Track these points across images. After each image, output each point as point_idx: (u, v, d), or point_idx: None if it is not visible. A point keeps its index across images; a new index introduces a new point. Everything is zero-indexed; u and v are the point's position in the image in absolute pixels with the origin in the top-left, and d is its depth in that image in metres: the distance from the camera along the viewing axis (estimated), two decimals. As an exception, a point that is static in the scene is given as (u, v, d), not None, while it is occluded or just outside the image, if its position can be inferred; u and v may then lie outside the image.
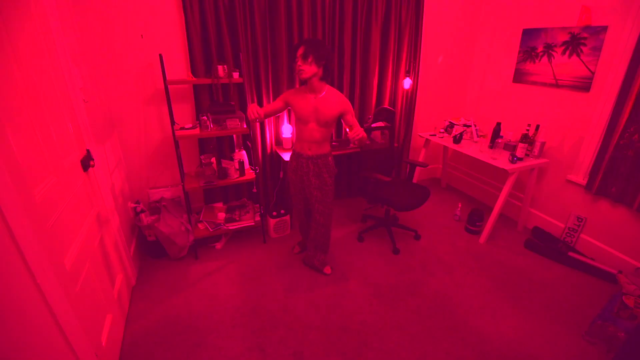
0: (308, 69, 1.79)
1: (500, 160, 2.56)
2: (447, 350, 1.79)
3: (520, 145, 2.51)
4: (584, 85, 2.42)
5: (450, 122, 3.16)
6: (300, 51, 1.79)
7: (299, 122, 1.96)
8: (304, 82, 1.89)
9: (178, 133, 2.29)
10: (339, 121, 3.10)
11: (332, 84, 2.98)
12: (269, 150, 2.93)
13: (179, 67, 2.50)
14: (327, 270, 2.36)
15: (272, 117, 2.78)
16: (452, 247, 2.68)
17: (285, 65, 2.70)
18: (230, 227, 2.59)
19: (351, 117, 1.95)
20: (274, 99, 2.77)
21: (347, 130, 1.93)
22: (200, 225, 2.61)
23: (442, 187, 3.84)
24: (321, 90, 1.89)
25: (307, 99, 1.89)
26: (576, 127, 2.52)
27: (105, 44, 2.27)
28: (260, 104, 2.75)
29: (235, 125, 2.38)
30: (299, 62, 1.80)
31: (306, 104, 1.88)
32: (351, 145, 2.00)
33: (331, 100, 1.88)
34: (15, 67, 1.18)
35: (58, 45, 1.56)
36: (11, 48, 1.17)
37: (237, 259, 2.52)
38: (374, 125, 2.66)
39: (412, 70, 3.19)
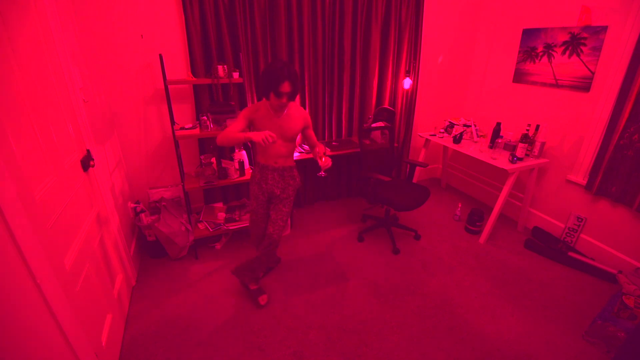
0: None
1: (500, 160, 2.56)
2: (447, 350, 1.79)
3: (520, 145, 2.51)
4: (584, 85, 2.42)
5: (450, 122, 3.16)
6: (288, 89, 1.66)
7: None
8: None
9: (178, 133, 2.29)
10: (339, 121, 3.11)
11: (330, 85, 2.98)
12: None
13: (179, 67, 2.50)
14: (263, 300, 2.07)
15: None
16: (452, 247, 2.68)
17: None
18: (230, 227, 2.59)
19: (310, 132, 1.96)
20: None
21: (317, 157, 1.86)
22: (200, 225, 2.61)
23: (442, 187, 3.84)
24: (286, 109, 1.82)
25: (272, 119, 1.79)
26: (576, 127, 2.52)
27: (105, 44, 2.27)
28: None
29: (235, 125, 2.37)
30: (284, 101, 1.70)
31: (271, 124, 1.78)
32: (320, 173, 1.92)
33: (294, 116, 1.84)
34: (15, 67, 1.18)
35: (58, 45, 1.56)
36: (11, 48, 1.17)
37: (237, 259, 2.51)
38: (374, 125, 2.66)
39: (412, 70, 3.19)
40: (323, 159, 1.82)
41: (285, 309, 2.05)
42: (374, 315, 2.01)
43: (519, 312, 2.05)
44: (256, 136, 1.62)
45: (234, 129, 1.74)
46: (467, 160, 3.60)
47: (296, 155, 2.72)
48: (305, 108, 2.95)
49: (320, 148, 1.90)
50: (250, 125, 1.83)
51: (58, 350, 1.17)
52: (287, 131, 1.82)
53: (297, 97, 2.87)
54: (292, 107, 1.86)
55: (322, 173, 1.90)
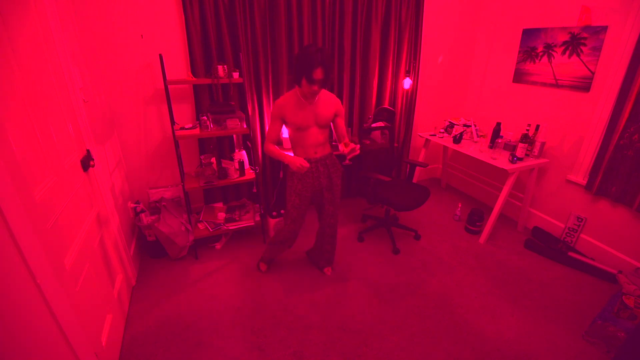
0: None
1: (500, 160, 2.56)
2: (447, 350, 1.79)
3: (520, 145, 2.51)
4: (584, 85, 2.42)
5: (450, 122, 3.16)
6: (320, 76, 1.62)
7: (299, 130, 1.83)
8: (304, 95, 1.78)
9: (178, 133, 2.29)
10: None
11: (331, 85, 2.99)
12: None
13: (179, 67, 2.50)
14: (328, 270, 2.36)
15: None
16: (452, 247, 2.68)
17: (285, 65, 2.70)
18: (230, 227, 2.59)
19: (341, 120, 1.93)
20: (274, 99, 2.77)
21: (339, 144, 1.88)
22: (200, 225, 2.61)
23: (442, 187, 3.84)
24: (317, 95, 1.80)
25: (305, 107, 1.79)
26: (576, 127, 2.52)
27: (105, 44, 2.27)
28: (260, 104, 2.75)
29: (235, 125, 2.38)
30: (316, 88, 1.67)
31: (305, 113, 1.78)
32: (346, 161, 1.95)
33: (326, 102, 1.84)
34: (15, 67, 1.18)
35: (58, 45, 1.56)
36: (11, 48, 1.17)
37: (237, 259, 2.52)
38: (374, 125, 2.66)
39: (412, 70, 3.19)
40: (348, 145, 1.77)
41: (285, 309, 2.05)
42: (374, 315, 2.01)
43: (519, 312, 2.05)
44: (292, 165, 1.75)
45: (271, 135, 1.86)
46: (467, 160, 3.60)
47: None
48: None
49: (351, 143, 1.84)
50: (284, 121, 1.84)
51: (58, 350, 1.17)
52: (320, 118, 1.82)
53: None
54: (323, 93, 1.84)
55: (347, 162, 1.90)
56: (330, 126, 1.96)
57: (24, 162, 1.14)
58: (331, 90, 3.00)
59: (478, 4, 3.25)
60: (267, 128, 2.85)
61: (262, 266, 2.39)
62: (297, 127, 1.82)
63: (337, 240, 2.28)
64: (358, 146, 1.75)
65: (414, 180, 2.96)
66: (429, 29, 3.20)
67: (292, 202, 2.00)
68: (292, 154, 1.89)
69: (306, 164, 1.74)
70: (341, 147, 1.80)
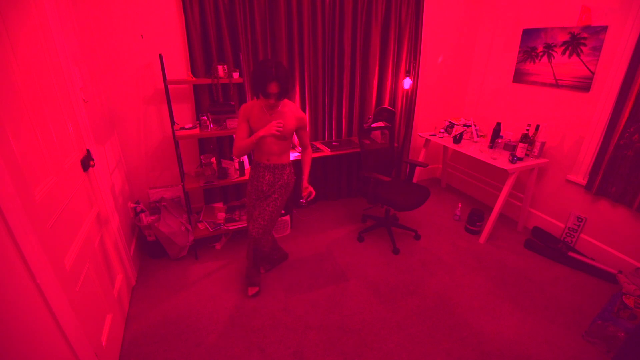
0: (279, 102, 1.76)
1: (500, 160, 2.56)
2: (447, 350, 1.79)
3: (520, 145, 2.51)
4: (584, 85, 2.42)
5: (450, 122, 3.16)
6: (275, 90, 1.66)
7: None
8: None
9: (178, 133, 2.29)
10: (339, 121, 3.10)
11: (330, 85, 2.98)
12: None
13: (179, 67, 2.50)
14: (251, 290, 2.14)
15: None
16: (452, 247, 2.68)
17: (285, 65, 2.69)
18: (230, 227, 2.59)
19: (304, 133, 1.96)
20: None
21: (302, 187, 2.00)
22: (200, 225, 2.61)
23: (442, 187, 3.84)
24: (278, 106, 1.81)
25: (264, 116, 1.80)
26: (576, 127, 2.52)
27: (105, 44, 2.27)
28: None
29: (235, 125, 2.38)
30: (272, 101, 1.70)
31: (263, 122, 1.79)
32: (302, 201, 2.04)
33: (288, 115, 1.82)
34: (15, 67, 1.18)
35: (58, 45, 1.56)
36: (11, 48, 1.17)
37: (237, 259, 2.52)
38: (374, 125, 2.66)
39: (412, 70, 3.19)
40: (305, 185, 1.97)
41: (285, 309, 2.05)
42: (374, 315, 2.01)
43: (519, 312, 2.05)
44: (265, 131, 1.72)
45: (240, 135, 1.84)
46: (467, 160, 3.60)
47: (296, 155, 2.72)
48: (305, 108, 2.95)
49: (308, 156, 2.02)
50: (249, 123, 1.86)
51: (58, 350, 1.17)
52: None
53: (297, 97, 2.87)
54: (288, 105, 1.85)
55: (302, 201, 2.02)
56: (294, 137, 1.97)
57: (24, 162, 1.14)
58: (330, 89, 3.01)
59: (478, 4, 3.25)
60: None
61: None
62: (254, 130, 1.83)
63: (260, 253, 2.05)
64: (314, 193, 1.98)
65: (414, 180, 2.96)
66: (429, 29, 3.20)
67: (248, 203, 2.09)
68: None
69: (280, 122, 1.72)
70: (303, 190, 1.98)
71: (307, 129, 1.97)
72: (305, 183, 2.00)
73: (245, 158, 2.61)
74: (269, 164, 1.93)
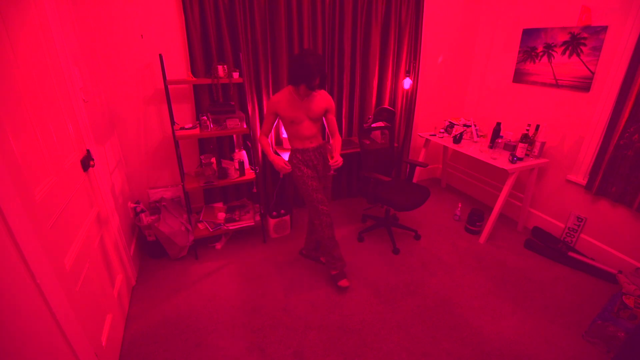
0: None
1: (500, 160, 2.56)
2: (447, 350, 1.79)
3: (520, 145, 2.51)
4: (584, 85, 2.42)
5: (450, 122, 3.16)
6: (318, 82, 1.87)
7: (293, 124, 2.01)
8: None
9: (178, 133, 2.29)
10: (339, 120, 3.10)
11: (330, 85, 2.99)
12: (269, 150, 2.93)
13: (179, 67, 2.50)
14: (344, 283, 2.20)
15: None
16: (452, 247, 2.68)
17: (285, 65, 2.69)
18: (230, 227, 2.59)
19: (332, 115, 2.10)
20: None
21: (328, 155, 2.10)
22: (200, 225, 2.61)
23: (442, 187, 3.84)
24: (310, 93, 1.98)
25: (297, 103, 1.96)
26: (576, 127, 2.52)
27: (105, 44, 2.27)
28: (260, 104, 2.75)
29: (235, 125, 2.38)
30: (316, 90, 1.93)
31: (297, 108, 1.97)
32: (331, 172, 2.17)
33: (318, 98, 2.00)
34: (15, 67, 1.18)
35: (58, 45, 1.56)
36: (11, 48, 1.17)
37: (237, 259, 2.52)
38: (374, 125, 2.66)
39: (412, 70, 3.19)
40: (334, 157, 2.02)
41: (285, 309, 2.05)
42: (374, 315, 2.01)
43: (518, 312, 2.05)
44: (275, 165, 2.02)
45: (266, 128, 2.06)
46: (467, 160, 3.60)
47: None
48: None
49: (337, 141, 2.12)
50: (278, 115, 2.01)
51: (58, 350, 1.17)
52: (312, 112, 1.99)
53: None
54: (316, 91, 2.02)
55: (332, 172, 2.12)
56: (323, 121, 2.12)
57: (24, 162, 1.14)
58: (330, 89, 3.01)
59: (478, 4, 3.25)
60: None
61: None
62: (291, 120, 1.99)
63: (334, 230, 2.17)
64: (341, 160, 2.02)
65: (414, 180, 2.96)
66: (429, 29, 3.20)
67: (310, 186, 2.09)
68: (282, 155, 2.06)
69: (288, 168, 2.00)
70: (330, 160, 2.05)
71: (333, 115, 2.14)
72: (336, 157, 2.06)
73: (245, 158, 2.61)
74: (314, 146, 2.09)
